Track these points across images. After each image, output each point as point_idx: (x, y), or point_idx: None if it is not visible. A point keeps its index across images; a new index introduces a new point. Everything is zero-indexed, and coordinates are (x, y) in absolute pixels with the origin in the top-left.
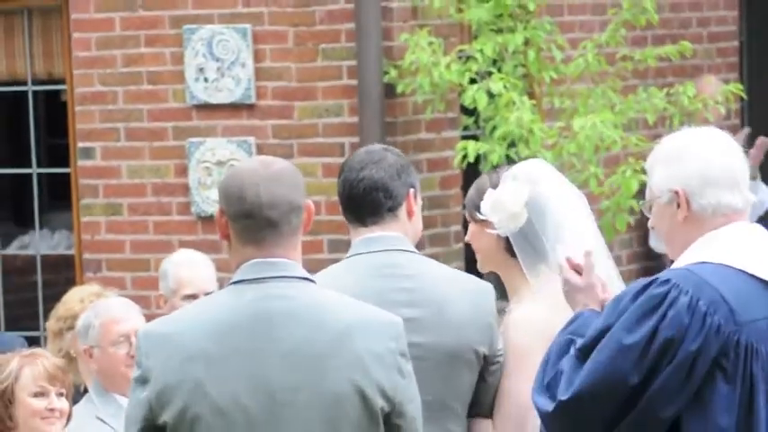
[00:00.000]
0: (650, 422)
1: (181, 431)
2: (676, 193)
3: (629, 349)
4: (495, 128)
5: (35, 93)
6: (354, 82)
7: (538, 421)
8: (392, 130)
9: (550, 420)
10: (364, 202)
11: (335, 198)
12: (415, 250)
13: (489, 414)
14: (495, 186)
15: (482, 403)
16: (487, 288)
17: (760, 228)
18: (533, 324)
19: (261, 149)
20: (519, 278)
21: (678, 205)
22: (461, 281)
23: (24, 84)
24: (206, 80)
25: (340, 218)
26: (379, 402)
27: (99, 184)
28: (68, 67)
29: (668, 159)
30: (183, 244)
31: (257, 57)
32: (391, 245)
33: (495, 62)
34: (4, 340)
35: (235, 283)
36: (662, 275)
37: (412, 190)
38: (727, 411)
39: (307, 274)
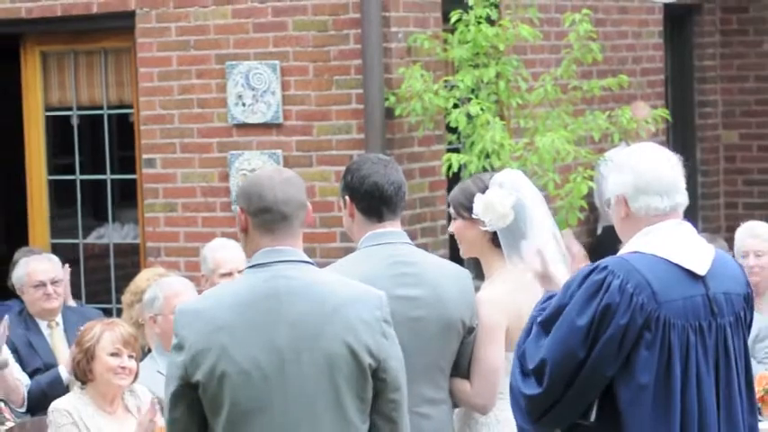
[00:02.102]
0: (595, 379)
1: (210, 387)
2: (618, 197)
3: (580, 330)
4: (473, 143)
5: (109, 115)
6: (361, 106)
7: (506, 380)
8: (391, 145)
9: (536, 398)
10: (392, 201)
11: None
12: (410, 241)
13: (465, 375)
14: (482, 191)
15: (460, 365)
16: (466, 272)
17: (687, 224)
18: (501, 301)
19: (287, 160)
20: (496, 263)
21: (621, 206)
22: (447, 267)
23: (101, 108)
24: (244, 105)
25: None
26: (367, 360)
27: (159, 188)
28: (135, 95)
29: (615, 170)
30: (225, 234)
31: (284, 86)
32: (397, 238)
33: (473, 91)
34: (86, 312)
35: (251, 267)
36: (601, 263)
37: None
38: (647, 372)
39: (308, 259)
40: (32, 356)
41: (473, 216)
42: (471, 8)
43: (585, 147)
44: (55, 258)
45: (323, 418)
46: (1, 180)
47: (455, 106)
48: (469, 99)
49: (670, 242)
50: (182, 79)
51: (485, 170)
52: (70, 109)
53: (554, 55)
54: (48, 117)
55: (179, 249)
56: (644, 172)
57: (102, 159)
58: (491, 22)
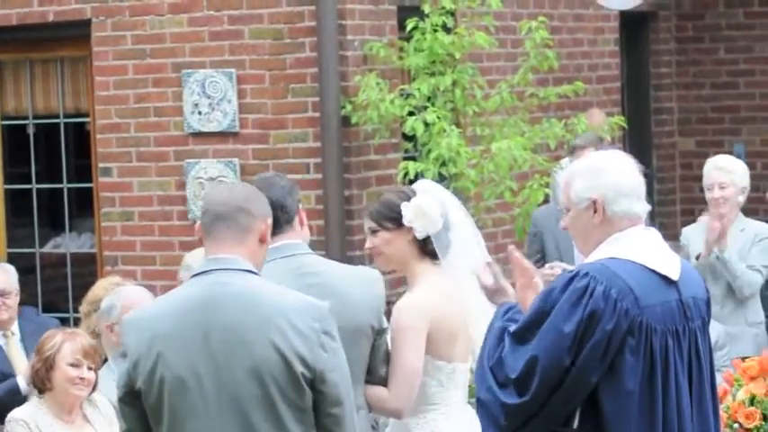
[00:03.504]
0: (580, 385)
1: (151, 394)
2: (594, 201)
3: (567, 336)
4: (429, 151)
5: (65, 124)
6: (317, 114)
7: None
8: (347, 153)
9: (518, 408)
10: (289, 211)
11: (303, 206)
12: (311, 251)
13: (380, 381)
14: (407, 200)
15: (373, 370)
16: (377, 275)
17: (654, 230)
18: (422, 306)
19: (243, 168)
20: (421, 270)
21: (595, 211)
22: (354, 273)
23: (57, 117)
24: (200, 113)
25: (307, 222)
26: (300, 368)
27: (116, 196)
28: (92, 104)
29: (587, 173)
30: (182, 244)
31: (240, 94)
32: (298, 250)
33: (429, 98)
34: (43, 321)
35: (193, 275)
36: (581, 269)
37: (300, 204)
38: (632, 377)
39: (250, 267)
40: None
41: (403, 224)
42: (427, 16)
43: (542, 154)
44: (9, 269)
45: (259, 425)
46: None
47: (411, 114)
48: (426, 107)
49: (643, 248)
50: (138, 88)
51: (441, 177)
52: (26, 118)
53: (510, 62)
54: (3, 126)
55: (136, 258)
56: (621, 175)
57: (58, 168)
58: (447, 29)
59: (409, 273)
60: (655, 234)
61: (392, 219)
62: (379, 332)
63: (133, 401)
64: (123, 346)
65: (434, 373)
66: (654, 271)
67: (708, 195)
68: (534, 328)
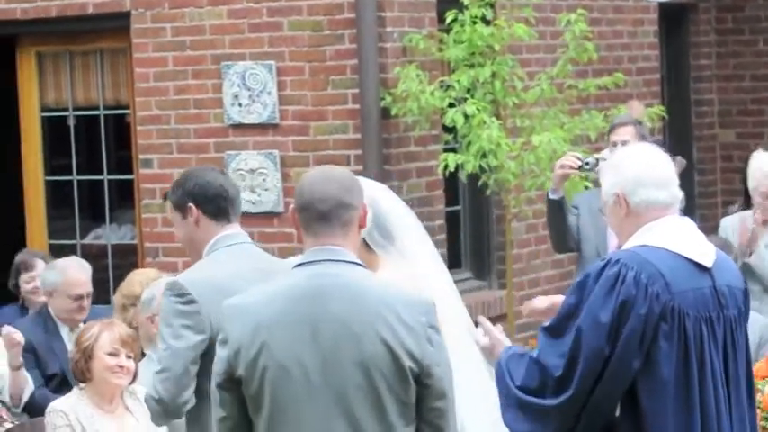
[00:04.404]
0: (622, 373)
1: (252, 382)
2: (617, 195)
3: (604, 326)
4: (470, 143)
5: (106, 116)
6: (357, 106)
7: None
8: (387, 145)
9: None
10: (235, 203)
11: None
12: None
13: None
14: None
15: None
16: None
17: (688, 219)
18: None
19: (284, 160)
20: (378, 265)
21: (620, 205)
22: (286, 263)
23: (97, 109)
24: (240, 105)
25: None
26: (408, 363)
27: (156, 188)
28: (132, 96)
29: (610, 170)
30: None
31: (280, 86)
32: (245, 239)
33: (468, 90)
34: (100, 312)
35: (298, 265)
36: (613, 257)
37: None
38: (667, 364)
39: (355, 259)
40: (52, 360)
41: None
42: (467, 8)
43: (582, 146)
44: (88, 267)
45: (362, 418)
46: None
47: (451, 106)
48: (465, 99)
49: (675, 235)
50: (178, 80)
51: (482, 169)
52: (66, 110)
53: (550, 54)
54: (44, 118)
55: (177, 249)
56: (640, 166)
57: (98, 160)
58: (486, 21)
59: (374, 268)
60: (688, 222)
61: None
62: None
63: (232, 388)
64: (223, 331)
65: None
66: (686, 258)
67: (756, 199)
68: (569, 320)
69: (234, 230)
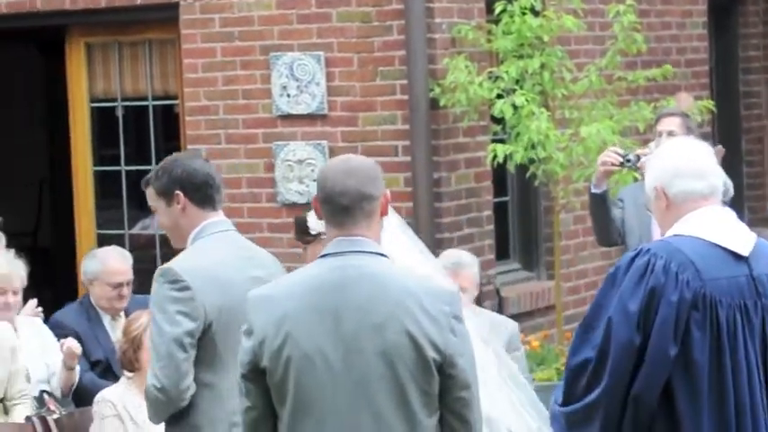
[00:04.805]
0: (660, 361)
1: (276, 372)
2: (656, 188)
3: (633, 315)
4: (518, 134)
5: (154, 106)
6: (406, 97)
7: None
8: (436, 136)
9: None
10: (220, 190)
11: (392, 188)
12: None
13: None
14: (309, 211)
15: None
16: (276, 259)
17: (727, 209)
18: None
19: (332, 151)
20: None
21: (660, 197)
22: (270, 255)
23: (146, 99)
24: (288, 96)
25: (396, 204)
26: (431, 353)
27: None
28: (180, 86)
29: (650, 166)
30: (270, 226)
31: (329, 77)
32: (231, 226)
33: (517, 81)
34: (144, 301)
35: (322, 256)
36: (643, 248)
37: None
38: (701, 352)
39: (378, 249)
40: (95, 348)
41: (314, 233)
42: None
43: (630, 137)
44: (128, 256)
45: (385, 408)
46: (47, 171)
47: (499, 97)
48: (514, 90)
49: (711, 224)
50: (226, 70)
51: (530, 161)
52: (115, 100)
53: (598, 46)
54: (93, 108)
55: None
56: (677, 158)
57: (147, 150)
58: (535, 12)
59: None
60: (726, 212)
61: (306, 233)
62: None
63: (257, 378)
64: (248, 322)
65: None
66: (721, 246)
67: None
68: (600, 312)
69: (219, 218)
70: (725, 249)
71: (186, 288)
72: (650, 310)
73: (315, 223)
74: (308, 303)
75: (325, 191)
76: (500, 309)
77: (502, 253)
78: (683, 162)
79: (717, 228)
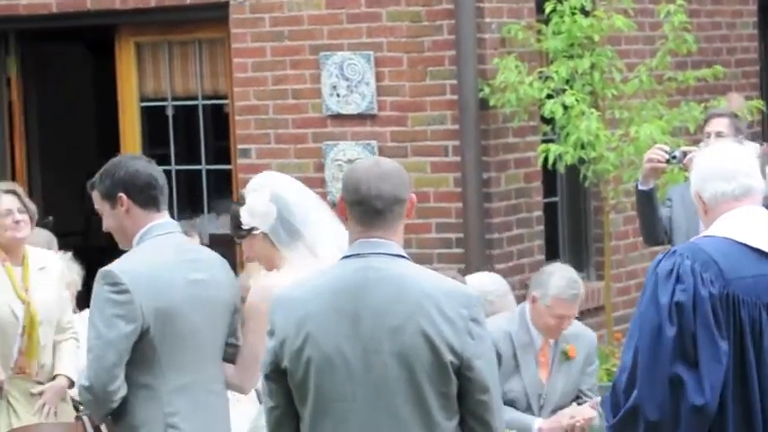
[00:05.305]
0: (713, 355)
1: (297, 373)
2: (694, 194)
3: (664, 306)
4: (568, 134)
5: (204, 106)
6: (455, 97)
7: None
8: (485, 136)
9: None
10: (164, 191)
11: (442, 189)
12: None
13: (230, 359)
14: (242, 205)
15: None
16: (225, 262)
17: (761, 209)
18: (268, 289)
19: (382, 151)
20: (279, 261)
21: (698, 202)
22: (213, 252)
23: (196, 99)
24: (338, 95)
25: (445, 204)
26: (448, 356)
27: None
28: (230, 86)
29: (692, 171)
30: None
31: (378, 77)
32: (174, 228)
33: (567, 81)
34: None
35: (344, 257)
36: (671, 249)
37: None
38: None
39: (401, 252)
40: None
41: (246, 228)
42: None
43: (681, 137)
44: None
45: (403, 410)
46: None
47: (549, 97)
48: (564, 90)
49: (740, 224)
50: (276, 70)
51: (581, 161)
52: (165, 99)
53: (648, 46)
54: (143, 108)
55: None
56: (709, 161)
57: (197, 150)
58: (585, 12)
59: (280, 265)
60: (759, 212)
61: (240, 227)
62: (236, 310)
63: (279, 379)
64: (270, 323)
65: None
66: (748, 246)
67: None
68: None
69: (164, 219)
70: (753, 249)
71: (125, 291)
72: (682, 306)
73: (248, 218)
74: (328, 304)
75: (359, 194)
76: None
77: (551, 254)
78: (713, 165)
79: (746, 227)
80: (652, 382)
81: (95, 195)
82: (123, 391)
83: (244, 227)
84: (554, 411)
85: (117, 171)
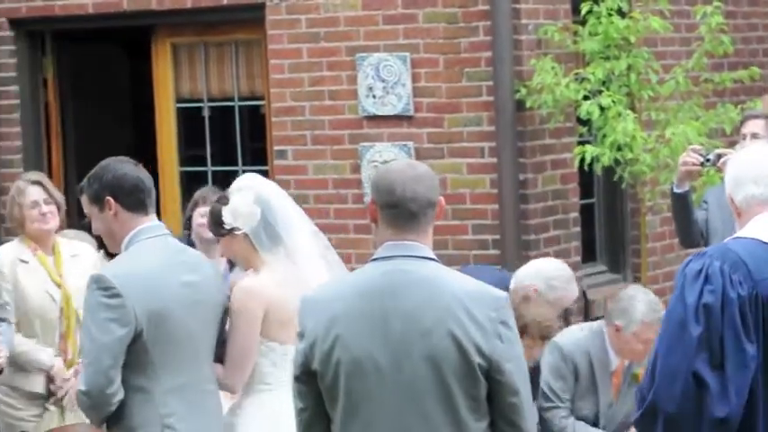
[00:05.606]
0: (741, 360)
1: (327, 375)
2: (728, 198)
3: (691, 305)
4: (605, 135)
5: (240, 107)
6: (492, 98)
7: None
8: (522, 137)
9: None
10: (151, 194)
11: (478, 190)
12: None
13: (218, 359)
14: (226, 204)
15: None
16: (212, 263)
17: None
18: (251, 291)
19: (418, 152)
20: (264, 262)
21: (732, 206)
22: (205, 259)
23: (232, 100)
24: (374, 97)
25: (482, 205)
26: (476, 359)
27: (291, 179)
28: (266, 87)
29: (725, 178)
30: (357, 227)
31: (414, 78)
32: (164, 231)
33: (604, 83)
34: None
35: (374, 260)
36: (701, 251)
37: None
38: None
39: (431, 255)
40: None
41: (228, 228)
42: (602, 0)
43: (717, 139)
44: None
45: (433, 412)
46: None
47: (586, 98)
48: (600, 91)
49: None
50: (312, 71)
51: (617, 162)
52: (201, 101)
53: (685, 47)
54: (179, 109)
55: None
56: (740, 165)
57: (233, 151)
58: (622, 14)
59: (257, 266)
60: None
61: (220, 225)
62: (226, 311)
63: (309, 381)
64: (300, 325)
65: (267, 353)
66: None
67: None
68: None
69: (152, 222)
70: None
71: (117, 295)
72: (710, 308)
73: (231, 218)
74: (357, 307)
75: (393, 196)
76: (586, 311)
77: (588, 255)
78: (745, 168)
79: None
80: (670, 378)
81: (84, 199)
82: (120, 395)
83: (225, 226)
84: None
85: (105, 174)
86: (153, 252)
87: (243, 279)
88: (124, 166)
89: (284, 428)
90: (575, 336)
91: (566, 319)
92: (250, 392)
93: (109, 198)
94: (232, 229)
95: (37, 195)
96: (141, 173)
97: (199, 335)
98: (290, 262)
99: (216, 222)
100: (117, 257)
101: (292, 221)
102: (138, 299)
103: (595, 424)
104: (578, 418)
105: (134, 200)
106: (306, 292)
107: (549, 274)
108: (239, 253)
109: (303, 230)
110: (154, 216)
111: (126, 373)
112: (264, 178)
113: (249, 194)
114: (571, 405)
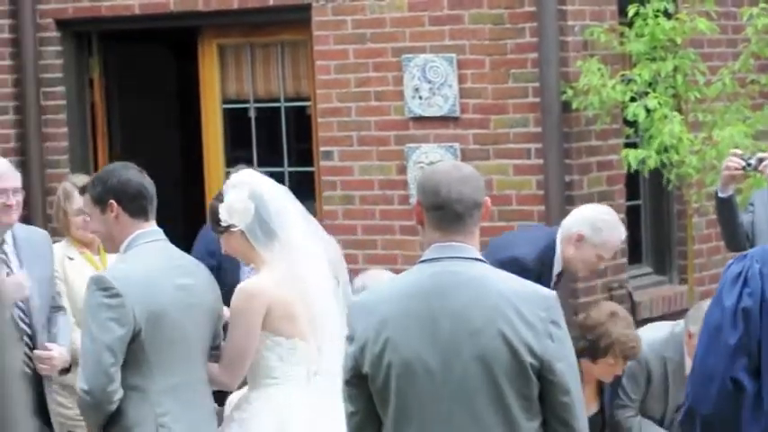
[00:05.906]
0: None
1: (378, 378)
2: None
3: (728, 308)
4: (651, 137)
5: (286, 108)
6: (538, 100)
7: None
8: (568, 138)
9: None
10: (154, 200)
11: (524, 191)
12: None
13: (215, 360)
14: (221, 201)
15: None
16: (206, 268)
17: None
18: (252, 291)
19: (464, 153)
20: (263, 258)
21: None
22: (200, 264)
23: (278, 101)
24: (420, 98)
25: (528, 207)
26: (528, 359)
27: (337, 180)
28: (313, 88)
29: None
30: (403, 228)
31: (461, 79)
32: (161, 236)
33: (650, 84)
34: None
35: (421, 261)
36: (744, 253)
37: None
38: None
39: (479, 256)
40: None
41: (224, 225)
42: (648, 1)
43: (765, 141)
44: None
45: (484, 413)
46: (181, 172)
47: (632, 100)
48: (647, 93)
49: None
50: (358, 72)
51: (663, 164)
52: (247, 102)
53: (731, 49)
54: (225, 110)
55: (357, 242)
56: None
57: (279, 152)
58: (668, 15)
59: (256, 262)
60: None
61: (218, 222)
62: (220, 314)
63: (360, 384)
64: (349, 329)
65: (274, 347)
66: None
67: None
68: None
69: (151, 228)
70: None
71: (117, 295)
72: (748, 312)
73: (226, 215)
74: (406, 309)
75: (439, 197)
76: (633, 313)
77: (634, 257)
78: None
79: None
80: (706, 380)
81: (86, 199)
82: (120, 393)
83: (222, 223)
84: None
85: (109, 178)
86: (151, 256)
87: (245, 280)
88: (129, 172)
89: (292, 422)
90: (652, 337)
91: (632, 311)
92: (257, 386)
93: (112, 201)
94: (229, 226)
95: (82, 203)
96: (145, 180)
97: (193, 336)
98: (286, 258)
99: (214, 220)
100: (116, 260)
101: (287, 217)
102: (137, 300)
103: (661, 422)
104: (646, 417)
105: (137, 206)
106: (355, 297)
107: (594, 218)
108: (238, 249)
109: (298, 225)
110: (153, 222)
111: (123, 373)
112: (261, 174)
113: (243, 191)
114: (640, 405)
